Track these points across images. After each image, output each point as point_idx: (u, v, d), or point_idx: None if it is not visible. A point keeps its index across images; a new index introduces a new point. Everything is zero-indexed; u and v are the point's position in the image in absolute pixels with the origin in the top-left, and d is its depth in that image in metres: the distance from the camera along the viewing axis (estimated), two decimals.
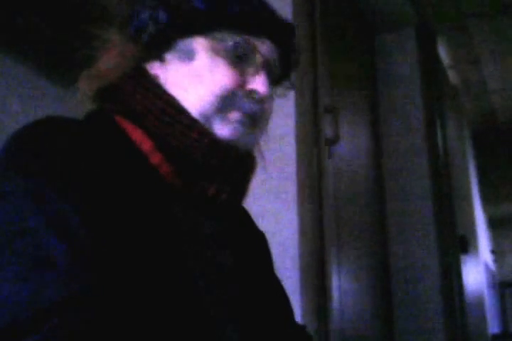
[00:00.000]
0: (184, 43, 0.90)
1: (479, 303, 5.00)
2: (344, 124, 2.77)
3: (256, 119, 0.90)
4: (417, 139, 3.38)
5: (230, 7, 0.88)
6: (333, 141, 2.42)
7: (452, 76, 4.81)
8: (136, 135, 0.86)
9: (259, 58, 0.91)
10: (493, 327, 6.13)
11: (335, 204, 2.50)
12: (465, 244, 4.05)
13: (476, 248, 5.06)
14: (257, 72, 0.91)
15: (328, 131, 2.39)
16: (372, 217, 3.16)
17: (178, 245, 0.80)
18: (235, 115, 0.88)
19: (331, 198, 2.40)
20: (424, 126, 3.41)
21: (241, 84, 0.89)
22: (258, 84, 0.90)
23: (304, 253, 1.96)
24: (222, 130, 0.87)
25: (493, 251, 7.09)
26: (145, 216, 0.78)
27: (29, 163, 0.73)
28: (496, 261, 7.35)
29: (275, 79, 0.97)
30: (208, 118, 0.87)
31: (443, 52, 4.36)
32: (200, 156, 0.85)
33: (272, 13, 0.93)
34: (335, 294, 2.30)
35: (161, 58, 0.91)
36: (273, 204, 1.99)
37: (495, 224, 7.44)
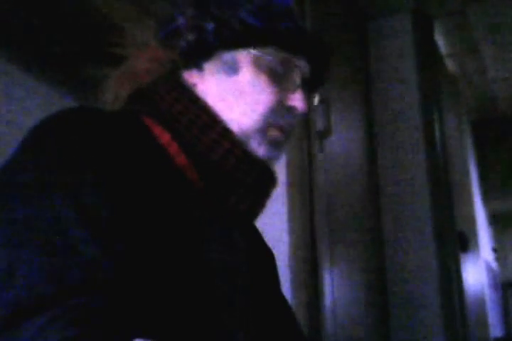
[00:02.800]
0: (227, 55, 0.94)
1: (480, 305, 5.02)
2: (336, 116, 2.80)
3: (289, 134, 0.97)
4: (414, 131, 3.40)
5: (278, 25, 0.94)
6: (325, 133, 2.44)
7: (450, 64, 4.84)
8: (163, 137, 0.90)
9: (297, 75, 0.97)
10: (495, 330, 6.15)
11: (327, 201, 2.51)
12: (465, 242, 4.07)
13: (476, 245, 5.07)
14: (295, 89, 0.96)
15: (319, 124, 2.42)
16: (367, 213, 3.17)
17: (201, 243, 0.86)
18: (274, 133, 0.94)
19: (323, 194, 2.42)
20: (421, 117, 3.42)
21: (281, 101, 0.95)
22: (297, 101, 0.96)
23: (294, 251, 1.99)
24: (259, 149, 0.94)
25: (494, 249, 7.12)
26: (169, 210, 0.83)
27: (61, 153, 0.77)
28: (497, 259, 7.37)
29: (308, 93, 1.03)
30: (247, 135, 0.93)
31: (440, 39, 4.38)
32: (228, 167, 0.91)
33: (312, 33, 0.99)
34: (327, 294, 2.32)
35: (199, 67, 0.96)
36: None
37: (496, 220, 7.48)
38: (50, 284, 0.67)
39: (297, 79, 0.97)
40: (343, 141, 2.93)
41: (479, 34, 4.43)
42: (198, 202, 0.90)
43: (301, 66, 0.97)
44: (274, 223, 1.99)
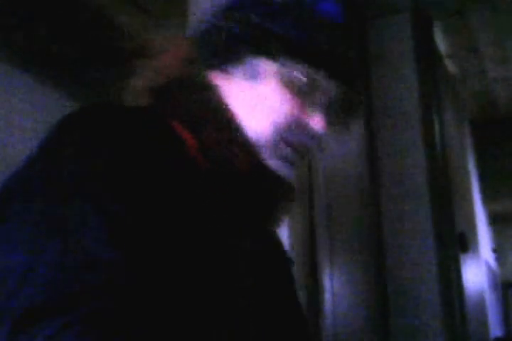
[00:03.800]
0: (254, 62, 0.93)
1: (480, 305, 5.01)
2: None
3: (304, 154, 0.97)
4: (413, 132, 3.38)
5: (312, 43, 0.91)
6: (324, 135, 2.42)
7: (450, 64, 4.83)
8: (188, 140, 0.89)
9: (322, 96, 0.95)
10: (495, 330, 6.15)
11: (327, 202, 2.50)
12: (465, 242, 4.06)
13: (476, 246, 5.06)
14: (316, 109, 0.94)
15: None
16: (367, 214, 3.16)
17: (224, 242, 0.86)
18: (285, 150, 0.93)
19: (323, 195, 2.41)
20: (420, 118, 3.40)
21: (299, 118, 0.93)
22: (315, 121, 0.94)
23: (295, 255, 1.97)
24: (268, 161, 0.93)
25: (494, 250, 7.12)
26: (193, 216, 0.83)
27: (87, 154, 0.77)
28: (497, 259, 7.37)
29: (332, 117, 0.99)
30: (259, 145, 0.92)
31: (440, 40, 4.36)
32: (244, 174, 0.91)
33: (345, 55, 0.96)
34: (327, 294, 2.31)
35: (225, 69, 0.95)
36: None
37: (496, 221, 7.46)
38: (66, 286, 0.67)
39: (321, 99, 0.95)
40: (342, 142, 2.92)
41: (479, 34, 4.42)
42: (220, 206, 0.89)
43: (329, 87, 0.95)
44: None
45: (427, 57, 3.69)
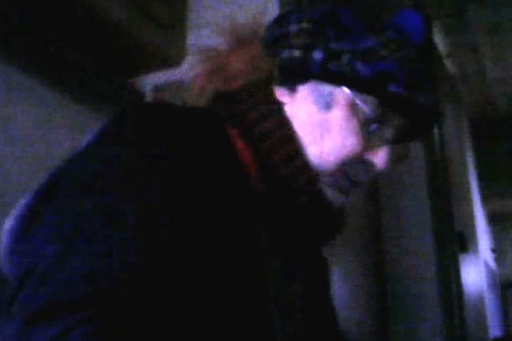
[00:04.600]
0: (326, 88, 0.87)
1: (479, 305, 5.02)
2: None
3: (360, 186, 0.92)
4: None
5: (387, 83, 0.85)
6: None
7: (449, 64, 4.82)
8: (245, 155, 0.86)
9: (390, 133, 0.89)
10: (494, 330, 6.16)
11: None
12: (464, 242, 4.06)
13: (475, 246, 5.07)
14: (382, 146, 0.89)
15: None
16: (367, 213, 3.15)
17: (261, 263, 0.82)
18: (344, 183, 0.89)
19: None
20: None
21: (363, 152, 0.88)
22: (379, 158, 0.89)
23: None
24: (325, 191, 0.89)
25: (493, 250, 7.12)
26: (236, 236, 0.80)
27: (140, 157, 0.75)
28: (496, 259, 7.37)
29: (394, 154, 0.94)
30: (318, 172, 0.88)
31: (439, 39, 4.35)
32: (300, 201, 0.87)
33: (424, 93, 0.89)
34: None
35: (293, 88, 0.89)
36: None
37: (495, 220, 7.47)
38: (85, 286, 0.64)
39: (389, 135, 0.89)
40: None
41: (478, 34, 4.43)
42: (266, 229, 0.85)
43: (398, 124, 0.89)
44: None
45: None
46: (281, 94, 0.90)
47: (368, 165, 0.89)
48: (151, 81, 2.08)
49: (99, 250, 0.67)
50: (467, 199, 5.05)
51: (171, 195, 0.73)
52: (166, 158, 0.75)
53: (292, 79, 0.89)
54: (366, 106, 0.86)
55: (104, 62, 1.85)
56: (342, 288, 2.66)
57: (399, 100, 0.86)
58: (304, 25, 0.88)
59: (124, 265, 0.66)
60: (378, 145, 0.89)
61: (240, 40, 0.94)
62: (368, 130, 0.88)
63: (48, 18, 1.56)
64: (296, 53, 0.87)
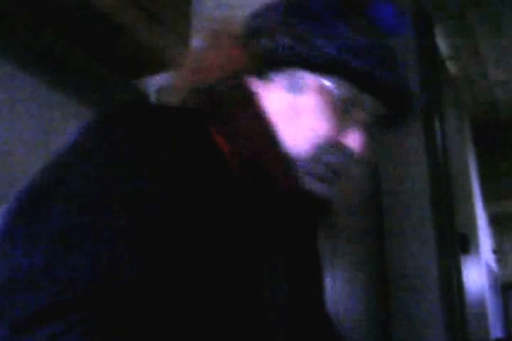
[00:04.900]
0: (297, 74, 0.89)
1: (481, 306, 5.02)
2: None
3: (340, 174, 0.91)
4: (415, 134, 3.37)
5: (353, 60, 0.86)
6: None
7: (451, 67, 4.82)
8: (225, 148, 0.87)
9: (363, 114, 0.90)
10: (495, 330, 6.15)
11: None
12: (465, 244, 4.06)
13: (477, 247, 5.07)
14: (355, 128, 0.90)
15: None
16: (369, 216, 3.17)
17: (252, 255, 0.83)
18: (319, 169, 0.88)
19: None
20: (421, 120, 3.39)
21: (337, 135, 0.89)
22: (353, 140, 0.89)
23: None
24: (302, 179, 0.88)
25: (495, 251, 7.11)
26: (231, 233, 0.80)
27: (123, 159, 0.74)
28: (498, 261, 7.37)
29: (372, 136, 0.96)
30: (296, 160, 0.87)
31: (442, 42, 4.35)
32: (280, 189, 0.86)
33: (394, 73, 0.90)
34: (329, 298, 2.29)
35: (267, 77, 0.91)
36: None
37: (497, 222, 7.47)
38: (76, 289, 0.64)
39: (361, 117, 0.90)
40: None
41: (480, 37, 4.43)
42: (257, 222, 0.86)
43: (370, 105, 0.90)
44: None
45: (428, 59, 3.68)
46: (256, 85, 0.91)
47: (344, 150, 0.89)
48: (155, 82, 2.08)
49: (90, 257, 0.66)
50: (469, 201, 5.06)
51: (159, 193, 0.73)
52: (150, 160, 0.75)
53: (265, 69, 0.90)
54: (336, 88, 0.87)
55: (109, 64, 1.85)
56: (346, 289, 2.66)
57: (367, 80, 0.87)
58: (273, 15, 0.91)
59: (113, 266, 0.66)
60: (352, 128, 0.90)
61: (215, 36, 0.96)
62: (341, 112, 0.88)
63: (52, 19, 1.56)
64: (267, 42, 0.88)
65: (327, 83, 0.87)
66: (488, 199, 6.42)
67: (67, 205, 0.70)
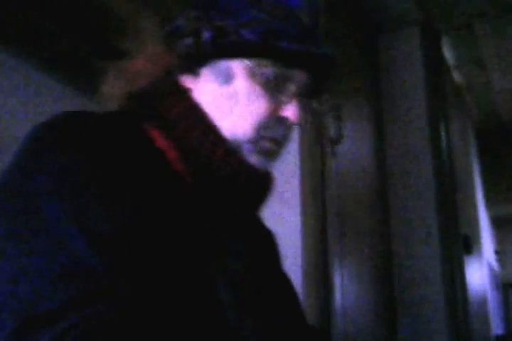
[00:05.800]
0: (223, 64, 0.90)
1: (483, 304, 5.00)
2: (348, 124, 2.79)
3: (282, 144, 0.94)
4: (421, 139, 3.40)
5: (276, 38, 0.88)
6: (337, 140, 2.44)
7: (457, 75, 4.82)
8: (162, 143, 0.88)
9: (293, 87, 0.92)
10: (497, 328, 6.13)
11: (338, 205, 2.51)
12: (468, 244, 4.05)
13: (479, 248, 5.06)
14: (290, 100, 0.92)
15: (331, 131, 2.41)
16: (376, 216, 3.18)
17: (200, 245, 0.84)
18: (264, 144, 0.90)
19: (335, 198, 2.41)
20: (427, 125, 3.42)
21: (274, 112, 0.91)
22: (290, 112, 0.91)
23: (307, 255, 1.98)
24: (249, 158, 0.90)
25: (497, 252, 7.09)
26: (173, 221, 0.81)
27: (62, 164, 0.75)
28: (499, 261, 7.34)
29: (305, 106, 0.98)
30: (238, 144, 0.89)
31: (447, 52, 4.36)
32: (224, 174, 0.88)
33: (315, 44, 0.92)
34: (337, 295, 2.31)
35: (195, 72, 0.92)
36: (276, 205, 2.01)
37: (499, 224, 7.44)
38: (55, 294, 0.65)
39: (293, 90, 0.92)
40: (353, 147, 2.94)
41: (485, 47, 4.41)
42: (199, 207, 0.87)
43: (299, 78, 0.92)
44: (288, 226, 1.98)
45: (435, 68, 3.70)
46: (186, 81, 0.92)
47: (283, 121, 0.91)
48: None
49: (54, 260, 0.68)
50: (472, 203, 5.05)
51: (101, 202, 0.73)
52: (88, 169, 0.75)
53: (192, 65, 0.91)
54: (263, 69, 0.89)
55: (111, 59, 1.82)
56: (354, 287, 2.66)
57: (290, 55, 0.89)
58: (190, 14, 0.91)
59: (79, 270, 0.67)
60: (287, 102, 0.91)
61: (142, 42, 0.97)
62: (273, 90, 0.90)
63: (55, 14, 1.52)
64: (189, 39, 0.89)
65: (255, 66, 0.89)
66: (490, 202, 6.40)
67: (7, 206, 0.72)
